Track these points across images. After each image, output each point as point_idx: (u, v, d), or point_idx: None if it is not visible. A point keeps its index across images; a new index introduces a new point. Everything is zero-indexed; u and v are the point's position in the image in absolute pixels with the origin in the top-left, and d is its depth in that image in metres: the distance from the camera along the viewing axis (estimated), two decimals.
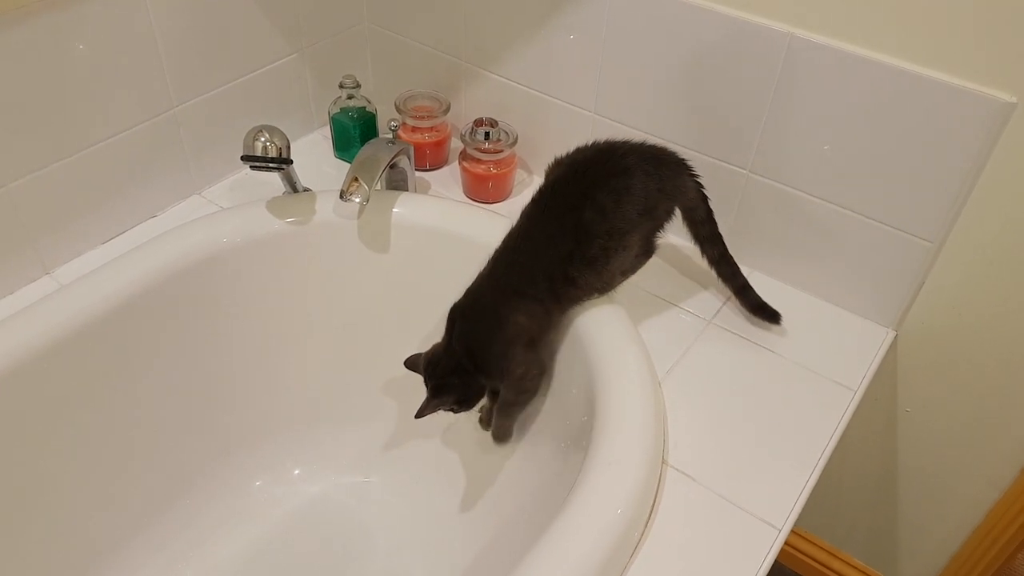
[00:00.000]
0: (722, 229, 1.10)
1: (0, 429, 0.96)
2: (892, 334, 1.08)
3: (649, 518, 0.84)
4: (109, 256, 1.07)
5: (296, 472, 1.26)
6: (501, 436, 1.06)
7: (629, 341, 0.97)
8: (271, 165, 1.04)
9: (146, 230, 1.16)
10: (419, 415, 0.95)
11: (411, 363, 1.01)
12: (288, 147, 1.06)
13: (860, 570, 1.40)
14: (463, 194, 1.25)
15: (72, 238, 1.10)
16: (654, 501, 0.86)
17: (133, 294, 1.03)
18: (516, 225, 0.97)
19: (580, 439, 0.92)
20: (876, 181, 0.98)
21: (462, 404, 0.97)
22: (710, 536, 0.84)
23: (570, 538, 0.77)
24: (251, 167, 1.05)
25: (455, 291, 1.13)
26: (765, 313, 1.05)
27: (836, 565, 1.42)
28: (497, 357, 0.94)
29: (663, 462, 0.90)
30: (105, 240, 1.14)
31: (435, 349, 0.98)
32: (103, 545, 1.12)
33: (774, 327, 1.06)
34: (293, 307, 1.18)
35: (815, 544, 1.43)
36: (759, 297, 1.05)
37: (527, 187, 1.27)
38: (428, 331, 1.15)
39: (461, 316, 0.95)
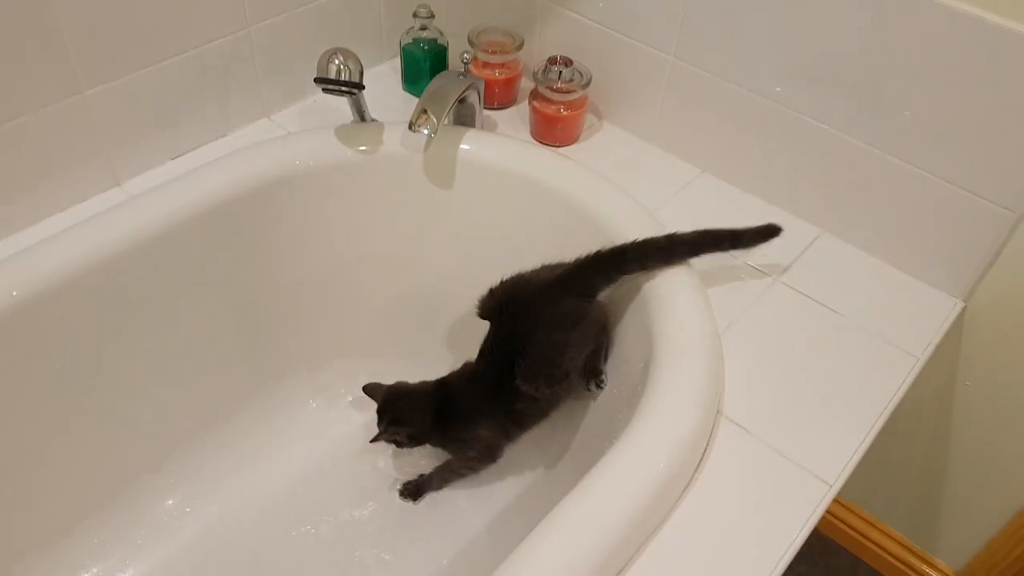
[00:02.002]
0: (799, 184, 1.09)
1: (66, 332, 0.99)
2: (960, 305, 1.05)
3: (700, 464, 0.84)
4: (178, 172, 1.08)
5: (348, 399, 1.28)
6: (419, 491, 1.17)
7: (691, 290, 0.96)
8: (343, 89, 1.04)
9: (215, 149, 1.16)
10: (376, 439, 1.08)
11: (369, 389, 1.12)
12: (361, 72, 1.05)
13: (899, 542, 1.39)
14: (530, 135, 1.24)
15: (143, 151, 1.11)
16: (706, 448, 0.86)
17: (200, 209, 1.05)
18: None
19: (637, 386, 0.92)
20: (961, 144, 0.95)
21: (413, 440, 1.08)
22: (760, 487, 0.84)
23: (616, 478, 0.77)
24: (323, 90, 1.05)
25: (517, 232, 1.14)
26: (763, 234, 0.98)
27: (875, 535, 1.41)
28: (462, 441, 1.08)
29: (718, 412, 0.89)
30: (175, 156, 1.15)
31: (405, 386, 1.10)
32: (158, 457, 1.16)
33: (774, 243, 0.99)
34: (356, 235, 1.19)
35: (855, 513, 1.42)
36: (751, 228, 0.97)
37: (596, 132, 1.25)
38: (487, 270, 1.14)
39: (452, 393, 1.06)
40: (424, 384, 1.10)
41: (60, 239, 0.98)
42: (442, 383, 1.09)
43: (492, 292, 1.00)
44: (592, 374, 1.01)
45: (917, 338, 1.00)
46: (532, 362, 0.95)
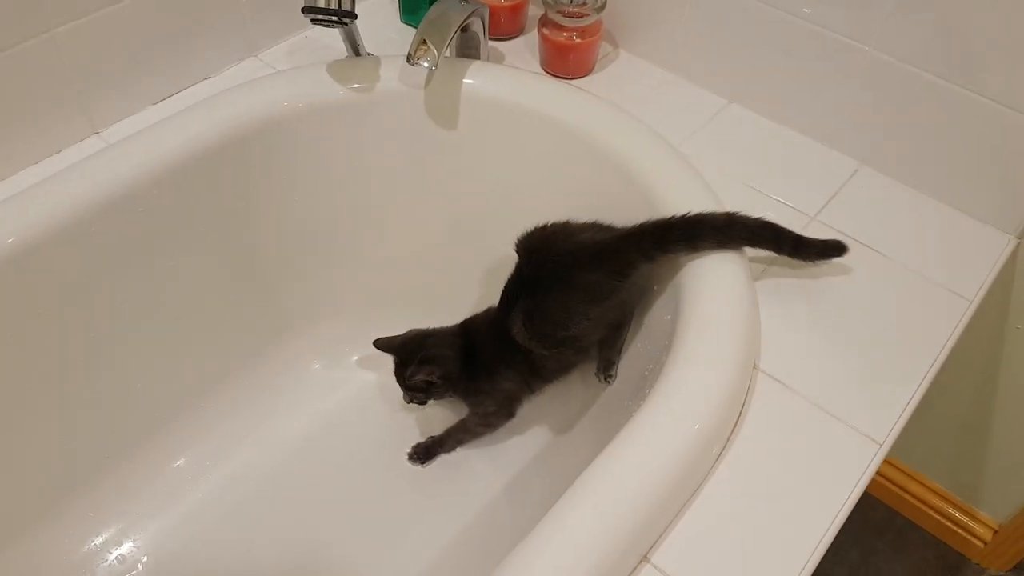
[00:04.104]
0: (835, 114, 0.99)
1: (51, 290, 0.93)
2: (1014, 242, 0.97)
3: (736, 424, 0.77)
4: (160, 117, 1.00)
5: (355, 359, 1.23)
6: (429, 454, 1.10)
7: None
8: (334, 18, 0.95)
9: (199, 92, 1.08)
10: (410, 380, 1.00)
11: (382, 344, 1.05)
12: (353, 0, 0.96)
13: (940, 494, 1.33)
14: (540, 67, 1.15)
15: (122, 95, 1.03)
16: (742, 408, 0.78)
17: (186, 156, 0.97)
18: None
19: (664, 340, 0.84)
20: (1016, 60, 0.86)
21: (446, 383, 1.01)
22: (803, 447, 0.76)
23: (649, 438, 0.71)
24: (312, 20, 0.96)
25: (529, 175, 1.07)
26: (831, 250, 0.88)
27: (914, 488, 1.35)
28: (483, 392, 1.01)
29: (754, 367, 0.81)
30: (156, 101, 1.07)
31: (425, 330, 1.04)
32: (157, 417, 1.11)
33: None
34: (354, 181, 1.11)
35: (893, 465, 1.36)
36: (817, 240, 0.87)
37: (612, 61, 1.16)
38: (496, 215, 1.08)
39: (476, 338, 1.00)
40: (446, 327, 1.04)
41: (36, 192, 0.91)
42: (465, 327, 1.02)
43: (535, 231, 0.92)
44: (604, 364, 0.94)
45: (968, 279, 0.91)
46: (537, 318, 0.88)
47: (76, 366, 0.99)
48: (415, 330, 1.05)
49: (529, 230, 0.92)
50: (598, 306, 0.86)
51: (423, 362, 0.98)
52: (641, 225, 0.86)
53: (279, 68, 1.13)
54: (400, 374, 1.02)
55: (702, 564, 0.69)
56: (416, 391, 1.02)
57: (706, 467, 0.74)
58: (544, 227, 0.92)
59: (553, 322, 0.87)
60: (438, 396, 1.03)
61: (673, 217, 0.85)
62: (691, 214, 0.84)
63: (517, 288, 0.92)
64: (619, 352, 0.94)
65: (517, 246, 0.92)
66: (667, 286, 0.87)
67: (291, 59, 1.14)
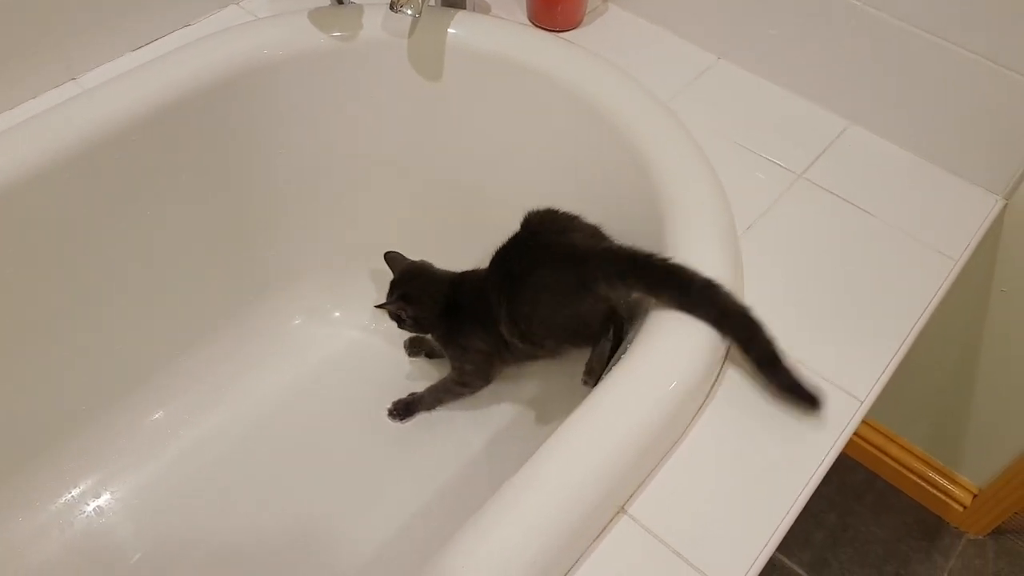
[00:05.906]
0: (824, 71, 0.98)
1: (22, 241, 0.91)
2: (1001, 203, 0.96)
3: (717, 379, 0.77)
4: (139, 64, 0.98)
5: (336, 315, 1.22)
6: (409, 411, 1.10)
7: (708, 190, 0.87)
8: None
9: (179, 39, 1.06)
10: (381, 306, 1.01)
11: (390, 258, 1.05)
12: None
13: (919, 457, 1.33)
14: (527, 18, 1.12)
15: (100, 42, 1.01)
16: (724, 361, 0.78)
17: (163, 103, 0.95)
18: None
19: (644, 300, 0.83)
20: (1007, 15, 0.84)
21: (417, 324, 1.02)
22: (784, 402, 0.76)
23: (626, 393, 0.70)
24: None
25: (515, 130, 1.05)
26: (802, 396, 0.74)
27: (893, 451, 1.35)
28: (460, 347, 1.02)
29: None
30: (135, 47, 1.05)
31: (428, 267, 1.04)
32: (136, 371, 1.10)
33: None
34: (335, 132, 1.09)
35: (872, 427, 1.36)
36: (793, 377, 0.74)
37: (600, 15, 1.13)
38: (482, 168, 1.06)
39: (466, 291, 0.99)
40: (446, 273, 1.04)
41: (10, 137, 0.89)
42: (461, 278, 1.02)
43: (545, 211, 0.90)
44: (589, 372, 0.89)
45: (954, 239, 0.91)
46: (512, 300, 0.87)
47: (53, 318, 0.98)
48: (425, 263, 1.05)
49: (540, 208, 0.90)
50: (556, 312, 0.85)
51: (401, 297, 1.00)
52: (619, 248, 0.83)
53: (261, 15, 1.10)
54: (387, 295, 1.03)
55: (678, 517, 0.68)
56: (390, 316, 1.03)
57: (685, 421, 0.74)
58: (555, 212, 0.90)
59: (522, 316, 0.87)
60: (409, 330, 1.04)
61: (652, 256, 0.78)
62: (671, 262, 0.77)
63: (504, 262, 0.90)
64: (604, 365, 0.87)
65: (523, 221, 0.90)
66: (650, 242, 0.86)
67: (273, 6, 1.12)
